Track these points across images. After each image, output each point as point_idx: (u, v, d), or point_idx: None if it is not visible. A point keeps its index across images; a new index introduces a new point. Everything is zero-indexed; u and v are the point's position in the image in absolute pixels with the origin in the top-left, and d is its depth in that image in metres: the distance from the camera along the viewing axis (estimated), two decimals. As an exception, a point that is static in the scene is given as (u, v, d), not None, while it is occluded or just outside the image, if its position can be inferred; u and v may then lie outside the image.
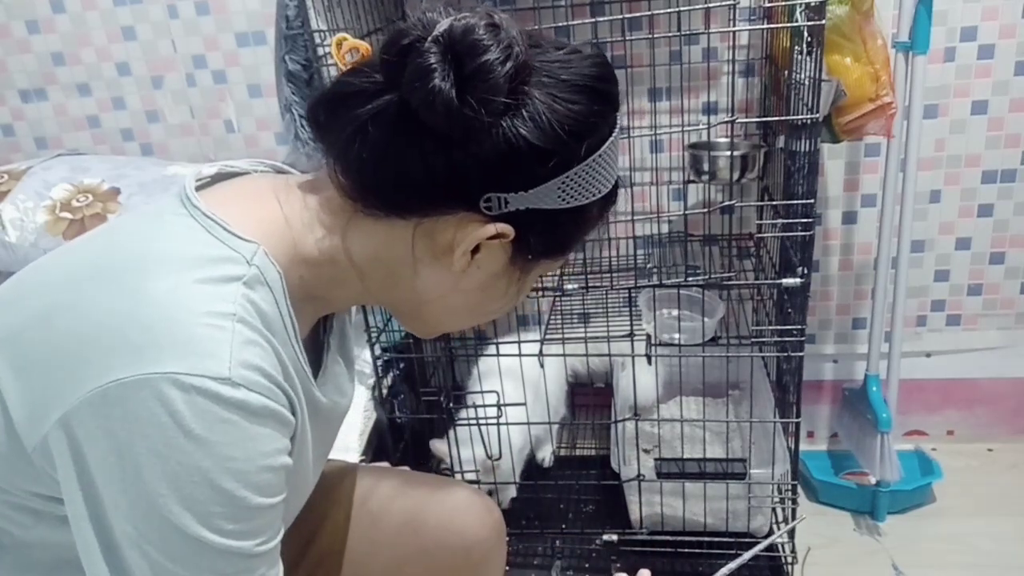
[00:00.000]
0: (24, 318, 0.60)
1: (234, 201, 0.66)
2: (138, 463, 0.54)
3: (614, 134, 0.66)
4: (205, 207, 0.63)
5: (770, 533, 1.55)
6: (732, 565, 0.87)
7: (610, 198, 0.69)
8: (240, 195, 0.68)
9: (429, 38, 0.59)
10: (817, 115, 1.21)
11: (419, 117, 0.59)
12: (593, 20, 1.17)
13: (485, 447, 1.55)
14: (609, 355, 1.45)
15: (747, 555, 0.89)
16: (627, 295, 1.42)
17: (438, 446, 1.58)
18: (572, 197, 0.64)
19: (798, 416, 1.40)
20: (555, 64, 0.63)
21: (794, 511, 1.52)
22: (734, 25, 1.53)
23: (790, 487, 1.48)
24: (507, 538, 1.06)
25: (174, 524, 0.55)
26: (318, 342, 0.78)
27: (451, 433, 1.55)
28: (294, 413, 0.63)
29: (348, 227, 0.66)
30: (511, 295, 0.73)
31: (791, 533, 1.50)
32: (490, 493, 1.62)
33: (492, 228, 0.64)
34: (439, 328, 0.77)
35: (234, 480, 0.56)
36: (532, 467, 1.76)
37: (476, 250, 0.66)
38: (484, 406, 1.47)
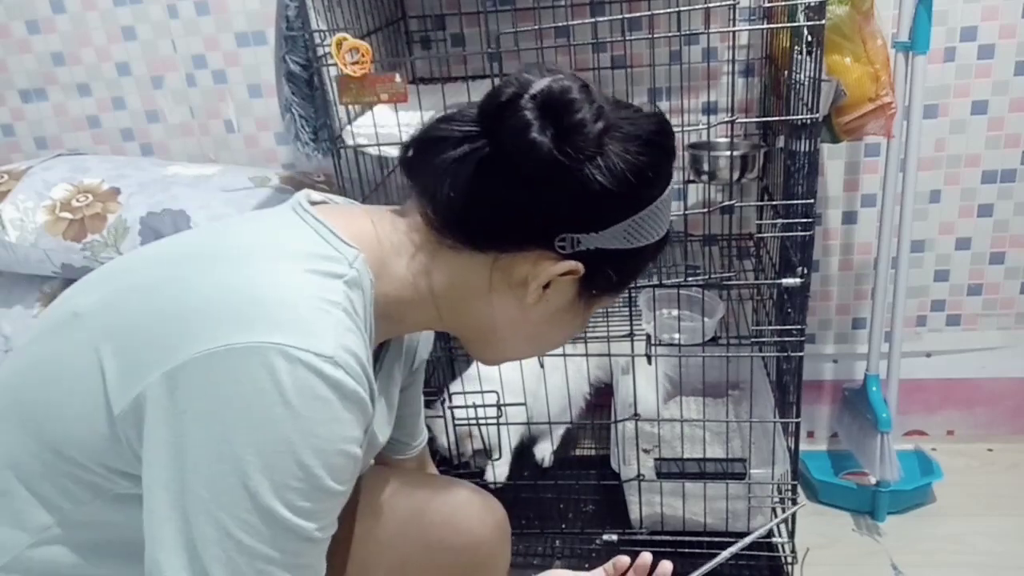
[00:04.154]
0: (123, 289, 0.65)
1: (337, 215, 0.73)
2: (231, 425, 0.57)
3: (671, 183, 0.74)
4: (316, 213, 0.71)
5: (770, 534, 1.55)
6: (725, 554, 0.89)
7: (664, 240, 0.76)
8: (341, 213, 0.75)
9: (527, 95, 0.66)
10: (817, 115, 1.21)
11: (511, 164, 0.67)
12: (593, 20, 1.17)
13: (485, 446, 1.55)
14: (609, 355, 1.45)
15: (747, 539, 0.91)
16: (627, 295, 1.42)
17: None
18: (635, 238, 0.72)
19: (798, 416, 1.40)
20: (624, 120, 0.70)
21: (794, 512, 1.52)
22: (734, 25, 1.53)
23: (790, 487, 1.48)
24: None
25: (250, 491, 0.58)
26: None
27: (450, 433, 1.55)
28: (373, 406, 0.67)
29: (431, 256, 0.73)
30: (574, 327, 0.80)
31: (791, 533, 1.50)
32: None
33: (564, 265, 0.71)
34: (504, 356, 0.83)
35: (315, 456, 0.60)
36: (532, 467, 1.76)
37: (547, 285, 0.72)
38: (484, 406, 1.47)
